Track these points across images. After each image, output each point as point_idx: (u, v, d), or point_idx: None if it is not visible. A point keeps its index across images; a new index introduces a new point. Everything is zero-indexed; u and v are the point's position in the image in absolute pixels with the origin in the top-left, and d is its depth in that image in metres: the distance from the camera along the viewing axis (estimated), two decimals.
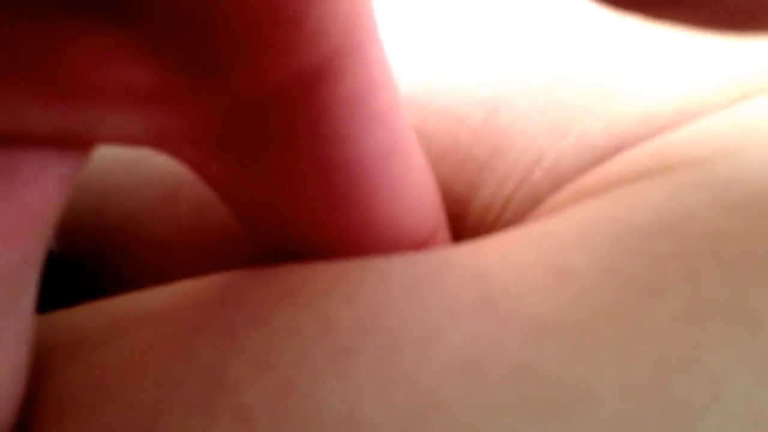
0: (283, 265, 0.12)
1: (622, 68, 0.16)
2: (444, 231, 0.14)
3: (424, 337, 0.10)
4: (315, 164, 0.11)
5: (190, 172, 0.18)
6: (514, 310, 0.10)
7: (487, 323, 0.10)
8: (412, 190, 0.12)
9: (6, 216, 0.10)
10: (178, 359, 0.11)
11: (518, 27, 0.17)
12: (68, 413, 0.11)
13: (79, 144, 0.10)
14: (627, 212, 0.11)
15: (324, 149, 0.11)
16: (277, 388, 0.10)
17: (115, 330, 0.12)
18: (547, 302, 0.10)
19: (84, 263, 0.18)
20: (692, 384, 0.09)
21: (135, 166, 0.18)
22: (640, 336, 0.09)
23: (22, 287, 0.10)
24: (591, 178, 0.14)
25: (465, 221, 0.17)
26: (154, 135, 0.11)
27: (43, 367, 0.12)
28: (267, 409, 0.10)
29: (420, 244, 0.13)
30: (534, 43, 0.17)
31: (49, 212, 0.10)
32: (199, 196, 0.17)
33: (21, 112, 0.09)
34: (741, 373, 0.09)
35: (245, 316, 0.11)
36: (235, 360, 0.10)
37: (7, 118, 0.09)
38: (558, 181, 0.15)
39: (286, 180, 0.11)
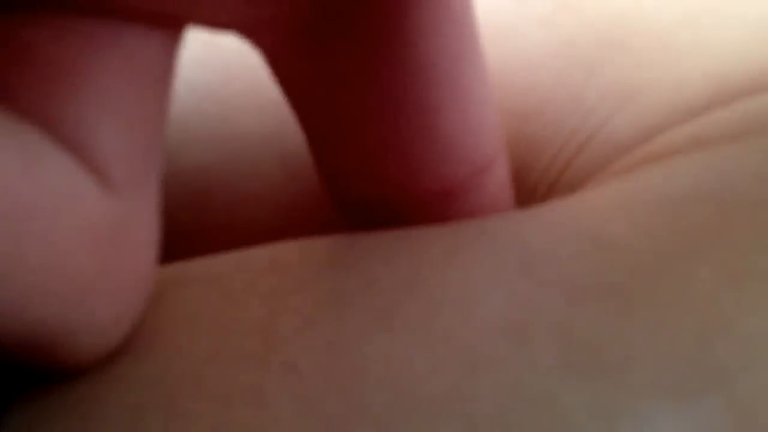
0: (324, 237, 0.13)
1: (650, 61, 0.16)
2: (504, 161, 0.13)
3: (465, 298, 0.10)
4: (386, 63, 0.11)
5: (220, 167, 0.18)
6: (553, 275, 0.10)
7: (528, 287, 0.10)
8: (478, 106, 0.12)
9: (120, 70, 0.10)
10: (228, 314, 0.11)
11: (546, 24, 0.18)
12: (116, 357, 0.11)
13: (173, 24, 0.11)
14: (666, 182, 0.12)
15: (397, 46, 0.11)
16: (325, 344, 0.10)
17: (164, 289, 0.12)
18: (586, 267, 0.10)
19: None
20: (730, 346, 0.09)
21: (167, 160, 0.18)
22: (678, 300, 0.10)
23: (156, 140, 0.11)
24: (625, 162, 0.14)
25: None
26: (241, 21, 0.11)
27: None
28: (315, 363, 0.10)
29: (481, 168, 0.13)
30: (559, 47, 0.17)
31: (159, 71, 0.10)
32: (230, 191, 0.18)
33: None
34: None
35: (292, 279, 0.11)
36: (284, 318, 0.11)
37: None
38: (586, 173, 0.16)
39: (357, 79, 0.12)
